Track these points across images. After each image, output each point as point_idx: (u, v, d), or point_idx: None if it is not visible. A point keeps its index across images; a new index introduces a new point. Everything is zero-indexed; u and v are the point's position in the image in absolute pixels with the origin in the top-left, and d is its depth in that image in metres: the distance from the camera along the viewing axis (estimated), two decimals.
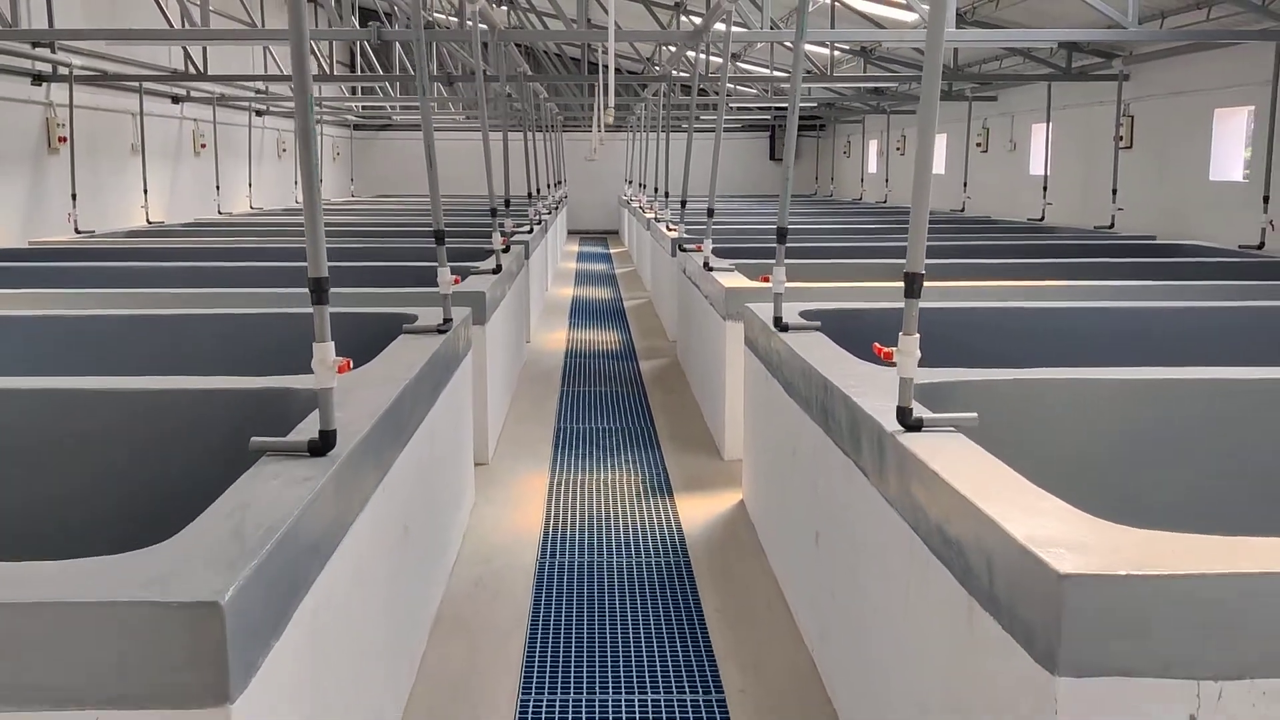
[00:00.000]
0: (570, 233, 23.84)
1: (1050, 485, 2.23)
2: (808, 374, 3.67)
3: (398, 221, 12.74)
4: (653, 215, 12.80)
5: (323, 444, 2.47)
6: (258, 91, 14.06)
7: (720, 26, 6.87)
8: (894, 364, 2.74)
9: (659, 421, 7.05)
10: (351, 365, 2.69)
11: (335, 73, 15.55)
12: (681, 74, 16.29)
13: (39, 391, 3.24)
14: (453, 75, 11.68)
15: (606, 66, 7.17)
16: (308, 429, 2.58)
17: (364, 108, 18.16)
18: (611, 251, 20.50)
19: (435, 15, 13.90)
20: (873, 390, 3.08)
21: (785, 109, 22.15)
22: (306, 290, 2.51)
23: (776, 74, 15.44)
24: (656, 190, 14.26)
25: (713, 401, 6.62)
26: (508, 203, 8.46)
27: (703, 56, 9.71)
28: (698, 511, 5.22)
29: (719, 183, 7.27)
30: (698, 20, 12.86)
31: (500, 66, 8.73)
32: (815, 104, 19.72)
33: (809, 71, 14.38)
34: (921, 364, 2.73)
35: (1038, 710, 1.79)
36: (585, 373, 8.68)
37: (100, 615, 1.65)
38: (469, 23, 9.03)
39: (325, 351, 2.48)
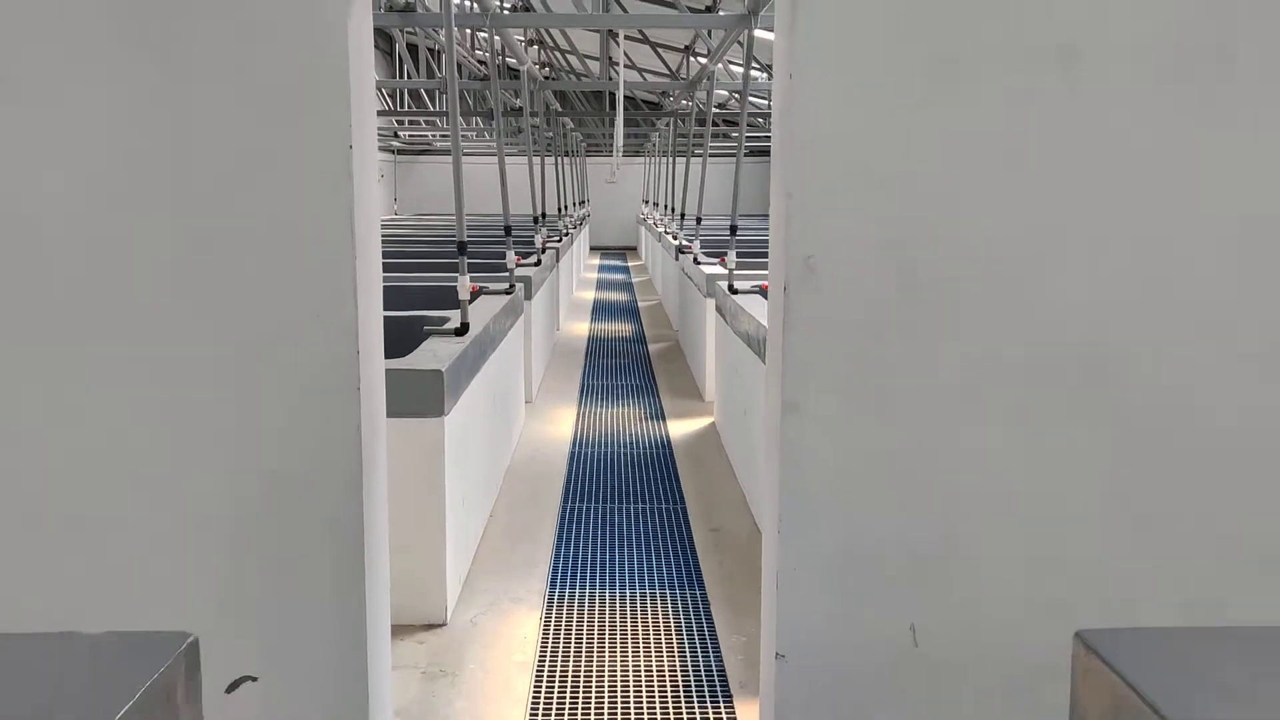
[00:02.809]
0: (592, 249, 26.13)
1: None
2: (742, 315, 5.85)
3: (453, 231, 15.01)
4: (663, 229, 15.01)
5: (463, 329, 4.68)
6: None
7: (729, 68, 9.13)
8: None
9: (660, 381, 9.24)
10: (479, 290, 4.91)
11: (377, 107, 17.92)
12: (686, 102, 18.64)
13: None
14: (493, 111, 13.95)
15: (618, 105, 9.38)
16: (451, 324, 4.80)
17: (410, 136, 20.53)
18: (630, 265, 22.76)
19: (476, 55, 16.26)
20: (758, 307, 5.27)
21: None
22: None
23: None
24: (669, 208, 16.49)
25: (698, 360, 8.82)
26: (545, 214, 10.71)
27: (704, 94, 11.96)
28: (682, 428, 7.41)
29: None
30: (704, 61, 15.13)
31: (538, 105, 11.00)
32: None
33: None
34: None
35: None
36: (604, 351, 10.89)
37: (400, 375, 3.84)
38: (511, 64, 11.21)
39: (465, 280, 4.70)
